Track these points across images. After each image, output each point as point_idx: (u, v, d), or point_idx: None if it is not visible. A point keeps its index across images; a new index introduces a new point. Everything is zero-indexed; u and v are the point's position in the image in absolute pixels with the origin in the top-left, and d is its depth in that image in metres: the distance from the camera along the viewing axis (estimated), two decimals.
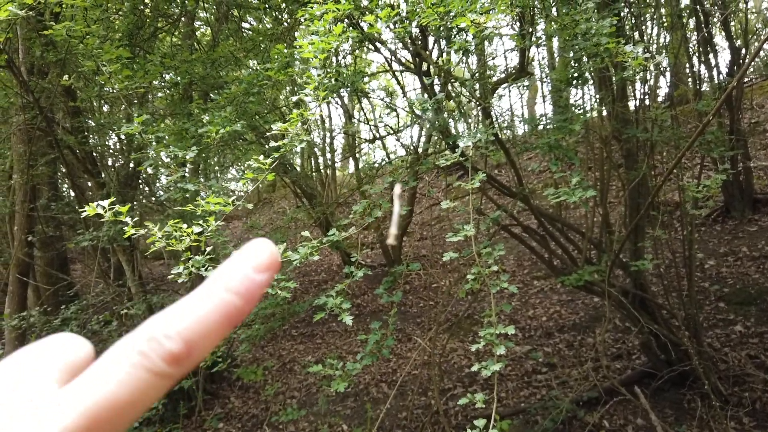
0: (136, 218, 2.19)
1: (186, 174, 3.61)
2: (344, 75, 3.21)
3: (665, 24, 4.86)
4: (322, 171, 11.21)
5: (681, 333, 4.18)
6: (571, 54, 3.19)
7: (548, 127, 3.47)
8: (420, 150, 6.64)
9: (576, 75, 3.41)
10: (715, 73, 5.91)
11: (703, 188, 3.41)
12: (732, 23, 6.34)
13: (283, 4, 5.29)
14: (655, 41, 4.84)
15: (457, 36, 3.06)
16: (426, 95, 3.45)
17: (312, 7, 2.44)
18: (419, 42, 3.51)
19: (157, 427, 4.74)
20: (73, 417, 0.25)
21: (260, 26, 6.74)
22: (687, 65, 6.92)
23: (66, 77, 3.84)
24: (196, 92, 5.20)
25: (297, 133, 2.19)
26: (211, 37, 6.48)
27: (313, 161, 12.25)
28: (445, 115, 3.74)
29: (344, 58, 6.80)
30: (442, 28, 2.84)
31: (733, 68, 5.81)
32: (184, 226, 2.09)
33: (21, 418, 0.25)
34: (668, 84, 7.02)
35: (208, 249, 2.26)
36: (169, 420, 5.15)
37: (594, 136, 4.69)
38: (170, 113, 5.05)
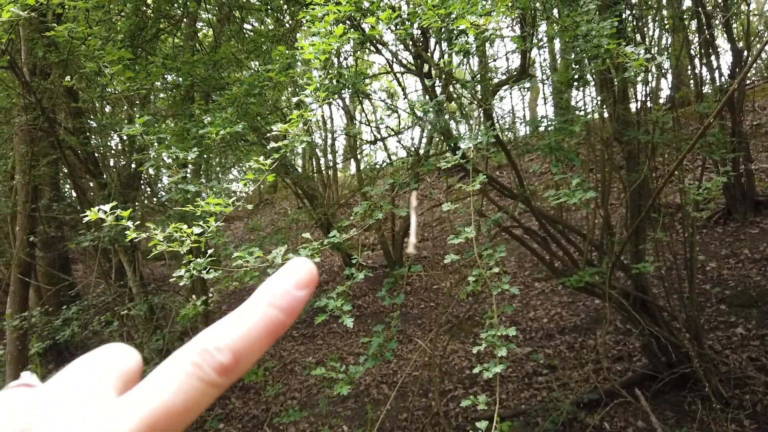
0: (138, 222, 2.19)
1: (188, 175, 3.61)
2: (345, 76, 3.21)
3: (667, 26, 4.85)
4: (323, 172, 11.21)
5: (682, 335, 4.17)
6: (572, 56, 3.19)
7: (549, 128, 3.47)
8: (421, 151, 6.65)
9: (577, 77, 3.41)
10: (717, 75, 5.90)
11: (704, 191, 3.41)
12: (734, 25, 6.33)
13: (285, 6, 5.30)
14: (657, 43, 4.83)
15: (458, 38, 3.06)
16: (427, 97, 3.45)
17: (313, 9, 2.44)
18: (420, 44, 3.51)
19: None
20: (134, 423, 0.27)
21: (262, 28, 6.75)
22: (689, 67, 6.92)
23: (68, 78, 3.84)
24: (197, 93, 5.21)
25: (297, 134, 2.20)
26: (213, 39, 6.50)
27: (314, 162, 12.26)
28: (447, 116, 3.74)
29: (346, 59, 6.81)
30: (443, 30, 2.84)
31: (735, 70, 5.80)
32: (185, 227, 2.09)
33: (93, 420, 0.27)
34: (670, 86, 7.02)
35: (210, 251, 2.27)
36: None
37: (595, 137, 4.69)
38: (172, 114, 5.06)
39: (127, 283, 5.50)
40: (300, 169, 11.28)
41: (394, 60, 4.05)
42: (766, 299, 5.30)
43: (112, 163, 7.40)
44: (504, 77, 5.70)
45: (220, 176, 8.55)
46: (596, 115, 5.09)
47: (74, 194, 7.50)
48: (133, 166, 6.11)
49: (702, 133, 2.92)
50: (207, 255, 2.22)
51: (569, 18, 2.67)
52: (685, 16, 4.95)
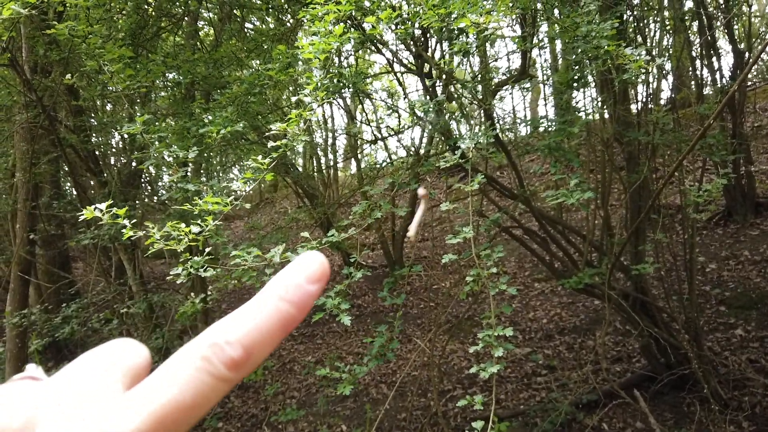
0: (135, 220, 2.19)
1: (188, 173, 3.62)
2: (346, 76, 3.21)
3: (668, 27, 4.85)
4: (324, 171, 11.22)
5: (681, 336, 4.17)
6: (573, 56, 3.19)
7: (549, 129, 3.46)
8: (422, 151, 6.65)
9: (577, 77, 3.41)
10: (718, 76, 5.89)
11: (704, 192, 3.41)
12: (735, 26, 6.33)
13: (286, 5, 5.30)
14: (658, 44, 4.82)
15: (458, 38, 3.06)
16: (427, 97, 3.45)
17: (314, 8, 2.44)
18: (421, 43, 3.51)
19: None
20: (142, 418, 0.26)
21: (263, 27, 6.75)
22: (690, 68, 6.91)
23: (69, 76, 3.84)
24: (198, 92, 5.21)
25: (296, 133, 2.20)
26: (214, 37, 6.50)
27: (315, 162, 12.27)
28: (447, 116, 3.74)
29: (347, 59, 6.81)
30: (443, 30, 2.84)
31: (737, 72, 5.79)
32: (183, 225, 2.09)
33: (92, 421, 0.27)
34: (670, 87, 7.01)
35: (208, 249, 2.27)
36: None
37: (596, 138, 4.68)
38: (172, 113, 5.06)
39: (127, 282, 5.51)
40: (300, 169, 11.28)
41: (395, 60, 4.05)
42: (765, 301, 5.30)
43: (112, 162, 7.41)
44: (504, 77, 5.69)
45: (220, 175, 8.55)
46: (597, 116, 5.09)
47: (75, 192, 7.51)
48: (134, 164, 6.12)
49: (702, 135, 2.92)
50: (205, 253, 2.23)
51: (569, 19, 2.67)
52: (686, 17, 4.94)
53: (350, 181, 12.80)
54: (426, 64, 3.59)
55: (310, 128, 9.71)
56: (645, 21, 4.65)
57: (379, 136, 7.27)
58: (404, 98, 5.89)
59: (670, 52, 5.22)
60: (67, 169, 6.62)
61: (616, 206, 7.33)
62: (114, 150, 7.31)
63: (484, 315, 2.42)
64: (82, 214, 2.01)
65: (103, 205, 1.95)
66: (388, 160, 5.46)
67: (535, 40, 4.10)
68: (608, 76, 3.85)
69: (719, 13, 5.62)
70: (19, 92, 4.70)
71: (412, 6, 2.73)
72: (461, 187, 2.61)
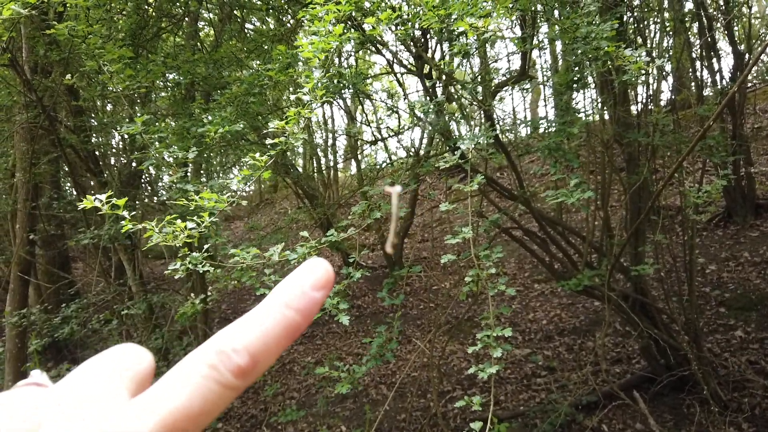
0: (134, 213, 2.19)
1: (188, 174, 3.62)
2: (346, 76, 3.21)
3: (668, 28, 4.85)
4: (324, 172, 11.22)
5: (681, 338, 4.17)
6: (573, 57, 3.19)
7: (549, 130, 3.47)
8: (421, 152, 6.65)
9: (577, 78, 3.41)
10: (718, 77, 5.90)
11: (704, 194, 3.41)
12: (735, 28, 6.33)
13: (286, 6, 5.30)
14: (658, 45, 4.83)
15: (458, 39, 3.06)
16: (427, 97, 3.45)
17: (314, 8, 2.44)
18: (421, 44, 3.52)
19: None
20: (150, 426, 0.26)
21: (263, 27, 6.76)
22: (690, 70, 6.91)
23: (69, 76, 3.85)
24: (198, 92, 5.21)
25: (295, 132, 2.20)
26: (214, 38, 6.50)
27: (315, 162, 12.27)
28: (447, 117, 3.74)
29: (347, 59, 6.81)
30: (443, 31, 2.84)
31: (737, 73, 5.79)
32: (179, 221, 2.09)
33: (92, 420, 0.26)
34: (670, 88, 7.02)
35: (206, 246, 2.27)
36: None
37: (595, 139, 4.68)
38: (172, 113, 5.06)
39: (127, 282, 5.50)
40: (300, 169, 11.28)
41: (395, 60, 4.05)
42: (765, 302, 5.29)
43: (112, 162, 7.41)
44: (504, 78, 5.70)
45: (220, 175, 8.55)
46: (597, 117, 5.08)
47: (74, 192, 7.52)
48: (134, 164, 6.12)
49: (702, 136, 2.92)
50: (204, 250, 2.23)
51: (569, 20, 2.67)
52: (686, 19, 4.94)
53: (350, 182, 12.80)
54: (426, 65, 3.59)
55: (310, 127, 9.72)
56: (645, 22, 4.65)
57: (379, 136, 7.27)
58: (404, 99, 5.89)
59: (670, 53, 5.22)
60: (67, 169, 6.62)
61: (615, 207, 7.33)
62: (114, 150, 7.31)
63: (483, 316, 2.42)
64: (83, 206, 2.01)
65: (103, 196, 1.95)
66: (388, 161, 5.46)
67: (535, 42, 4.10)
68: (608, 78, 3.85)
69: (719, 15, 5.62)
70: (19, 92, 4.70)
71: (412, 7, 2.73)
72: (461, 187, 2.61)
